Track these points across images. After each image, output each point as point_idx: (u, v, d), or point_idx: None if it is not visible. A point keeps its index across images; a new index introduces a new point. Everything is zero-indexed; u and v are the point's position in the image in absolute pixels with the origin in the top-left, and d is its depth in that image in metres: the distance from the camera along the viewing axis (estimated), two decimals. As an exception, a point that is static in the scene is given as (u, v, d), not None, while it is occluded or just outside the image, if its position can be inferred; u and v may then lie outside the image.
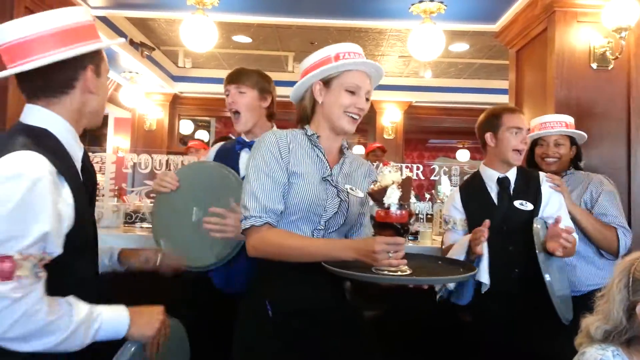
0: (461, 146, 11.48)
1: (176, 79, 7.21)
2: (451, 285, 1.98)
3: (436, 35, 3.74)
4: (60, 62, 1.23)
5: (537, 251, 1.96)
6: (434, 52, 3.82)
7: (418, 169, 3.51)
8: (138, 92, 6.64)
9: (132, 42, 5.36)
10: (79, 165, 1.31)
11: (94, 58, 1.31)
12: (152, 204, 2.13)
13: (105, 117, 7.79)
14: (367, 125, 7.59)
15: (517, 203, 2.15)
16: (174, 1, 3.79)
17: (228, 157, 2.13)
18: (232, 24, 4.97)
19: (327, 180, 1.58)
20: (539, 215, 2.13)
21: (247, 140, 2.14)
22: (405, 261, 1.38)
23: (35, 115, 1.26)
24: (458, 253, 1.99)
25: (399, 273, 1.38)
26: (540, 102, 3.36)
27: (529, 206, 2.14)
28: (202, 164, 2.24)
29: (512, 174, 2.22)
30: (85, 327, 1.17)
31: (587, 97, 3.18)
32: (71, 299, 1.19)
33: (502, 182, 2.19)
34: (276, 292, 1.54)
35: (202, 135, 8.17)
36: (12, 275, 1.05)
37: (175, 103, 7.52)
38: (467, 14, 3.93)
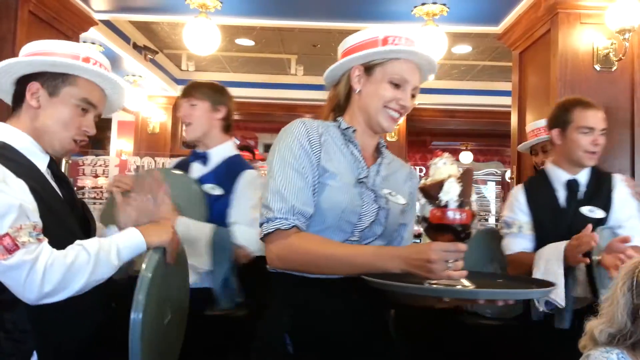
0: (464, 148, 11.46)
1: (179, 82, 7.21)
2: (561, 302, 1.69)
3: (439, 37, 3.74)
4: (22, 77, 1.38)
5: (593, 264, 1.75)
6: (436, 54, 3.81)
7: (421, 171, 3.51)
8: (141, 95, 6.66)
9: (135, 46, 5.37)
10: (44, 170, 1.38)
11: (49, 77, 1.38)
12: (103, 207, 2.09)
13: (109, 121, 7.80)
14: (369, 127, 7.57)
15: (585, 209, 1.93)
16: (177, 5, 3.80)
17: (181, 168, 2.14)
18: (235, 27, 4.97)
19: (363, 182, 1.35)
20: (607, 222, 1.92)
21: (199, 151, 2.14)
22: (465, 272, 1.13)
23: None
24: (554, 264, 1.73)
25: (459, 287, 1.13)
26: (544, 104, 3.35)
27: (598, 213, 1.92)
28: (163, 171, 2.21)
29: (583, 176, 2.00)
30: (104, 253, 1.27)
31: (591, 98, 3.15)
32: (77, 241, 1.28)
33: (571, 186, 1.98)
34: (298, 321, 1.26)
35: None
36: (16, 245, 1.17)
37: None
38: (470, 16, 3.93)
